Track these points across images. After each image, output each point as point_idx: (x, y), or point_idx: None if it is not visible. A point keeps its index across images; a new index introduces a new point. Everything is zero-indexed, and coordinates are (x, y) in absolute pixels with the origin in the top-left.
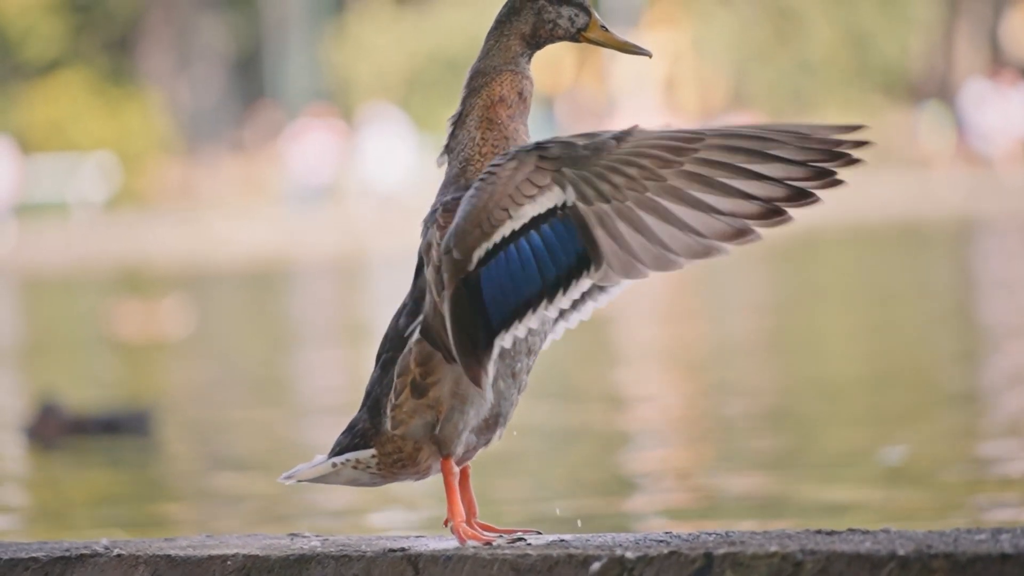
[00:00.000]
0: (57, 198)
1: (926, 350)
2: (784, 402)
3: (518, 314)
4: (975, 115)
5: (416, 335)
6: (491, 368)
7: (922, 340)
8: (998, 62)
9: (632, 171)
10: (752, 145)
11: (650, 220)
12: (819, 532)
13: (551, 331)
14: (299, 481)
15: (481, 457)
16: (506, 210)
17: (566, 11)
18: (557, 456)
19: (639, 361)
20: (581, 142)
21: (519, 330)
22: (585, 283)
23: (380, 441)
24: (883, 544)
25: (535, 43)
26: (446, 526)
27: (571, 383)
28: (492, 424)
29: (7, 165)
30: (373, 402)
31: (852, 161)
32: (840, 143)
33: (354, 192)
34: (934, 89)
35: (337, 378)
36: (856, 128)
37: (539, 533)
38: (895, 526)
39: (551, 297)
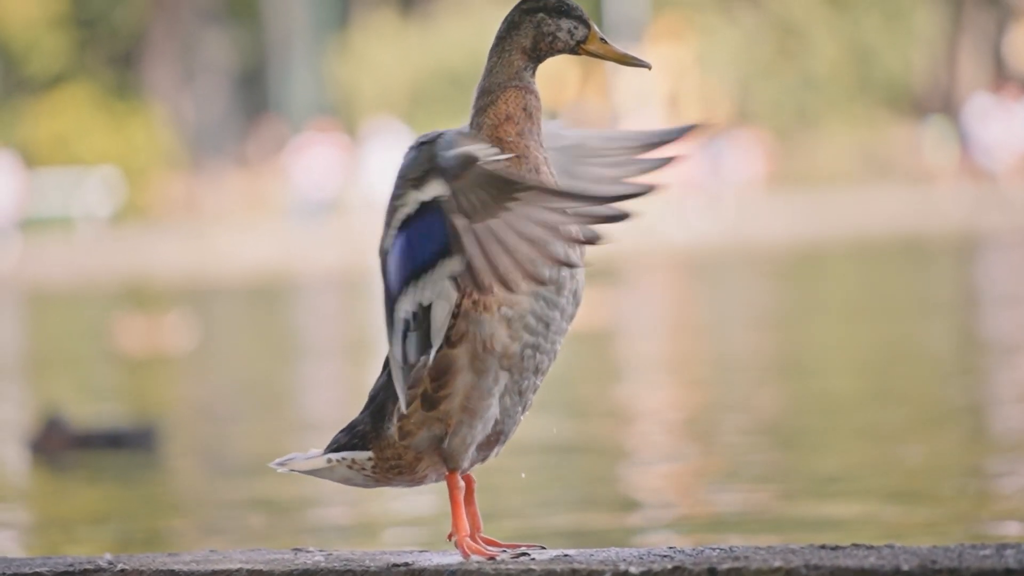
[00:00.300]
0: (61, 212)
1: (930, 365)
2: (786, 418)
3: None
4: (979, 130)
5: (432, 352)
6: (395, 338)
7: (926, 355)
8: (1002, 77)
9: (482, 194)
10: (568, 201)
11: (507, 236)
12: (823, 547)
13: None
14: (291, 471)
15: (484, 471)
16: (403, 202)
17: (565, 23)
18: (559, 471)
19: (640, 376)
20: (449, 153)
21: (409, 300)
22: (447, 268)
23: (379, 446)
24: (887, 559)
25: (536, 56)
26: (450, 540)
27: (573, 397)
28: (493, 441)
29: (12, 179)
30: (377, 407)
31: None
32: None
33: (358, 206)
34: (938, 104)
35: (341, 392)
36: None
37: (543, 548)
38: (899, 542)
39: (418, 278)
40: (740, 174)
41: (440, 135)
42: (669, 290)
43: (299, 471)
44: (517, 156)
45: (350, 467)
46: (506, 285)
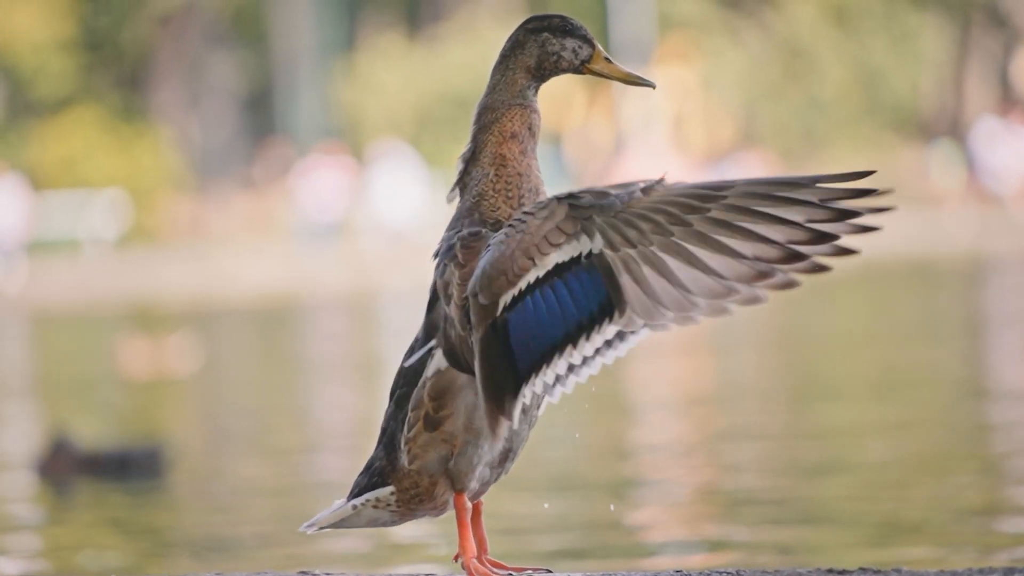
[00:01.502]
0: (68, 235)
1: (938, 390)
2: (792, 443)
3: (544, 359)
4: (986, 153)
5: (430, 370)
6: (516, 415)
7: (934, 380)
8: (1008, 100)
9: (659, 217)
10: (775, 191)
11: (674, 264)
12: (831, 571)
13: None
14: (321, 528)
15: (494, 490)
16: (531, 258)
17: (570, 43)
18: (563, 498)
19: (646, 402)
20: (614, 191)
21: (547, 375)
22: (609, 330)
23: (397, 477)
24: None
25: (540, 76)
26: (456, 561)
27: (578, 424)
28: (503, 459)
29: (18, 202)
30: (389, 438)
31: (866, 221)
32: (855, 192)
33: (364, 229)
34: (945, 127)
35: (347, 415)
36: (867, 182)
37: (549, 572)
38: (907, 567)
39: (575, 343)
40: None
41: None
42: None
43: (328, 527)
44: (519, 174)
45: (375, 507)
46: (653, 316)
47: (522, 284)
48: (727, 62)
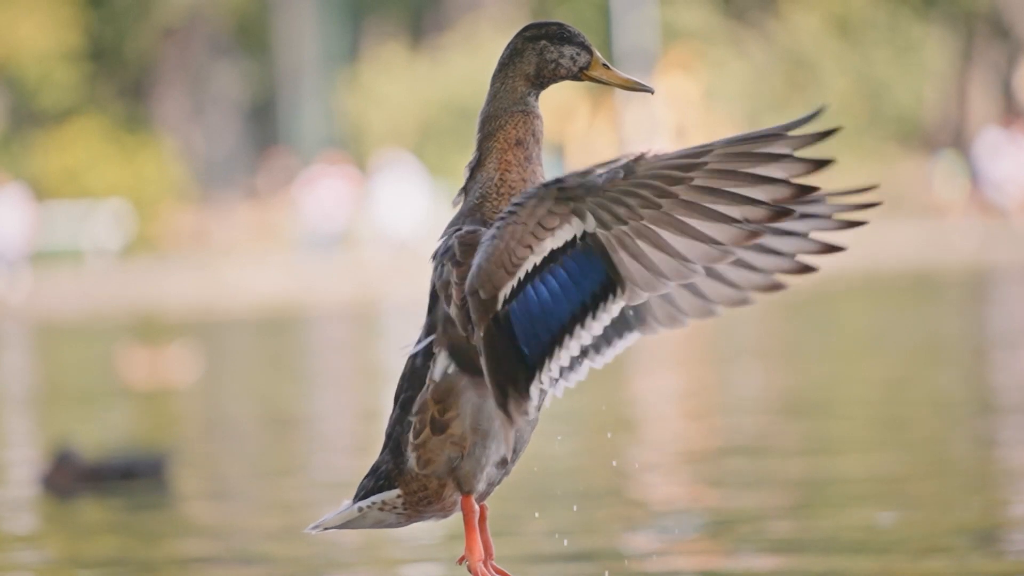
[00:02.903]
0: (71, 245)
1: (941, 405)
2: (796, 458)
3: (556, 343)
4: (989, 165)
5: (436, 372)
6: (531, 407)
7: (936, 394)
8: (1012, 111)
9: (645, 192)
10: (751, 148)
11: (667, 235)
12: None
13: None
14: (326, 529)
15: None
16: (529, 247)
17: (568, 50)
18: (564, 520)
19: (648, 410)
20: (598, 170)
21: (562, 358)
22: (614, 307)
23: (404, 480)
24: None
25: (540, 83)
26: (460, 564)
27: (579, 426)
28: (506, 459)
29: (22, 212)
30: (394, 443)
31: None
32: (822, 135)
33: (368, 239)
34: (948, 138)
35: (350, 423)
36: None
37: None
38: None
39: (582, 323)
40: None
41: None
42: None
43: (333, 527)
44: (523, 179)
45: (381, 509)
46: (655, 286)
47: (520, 274)
48: (730, 72)
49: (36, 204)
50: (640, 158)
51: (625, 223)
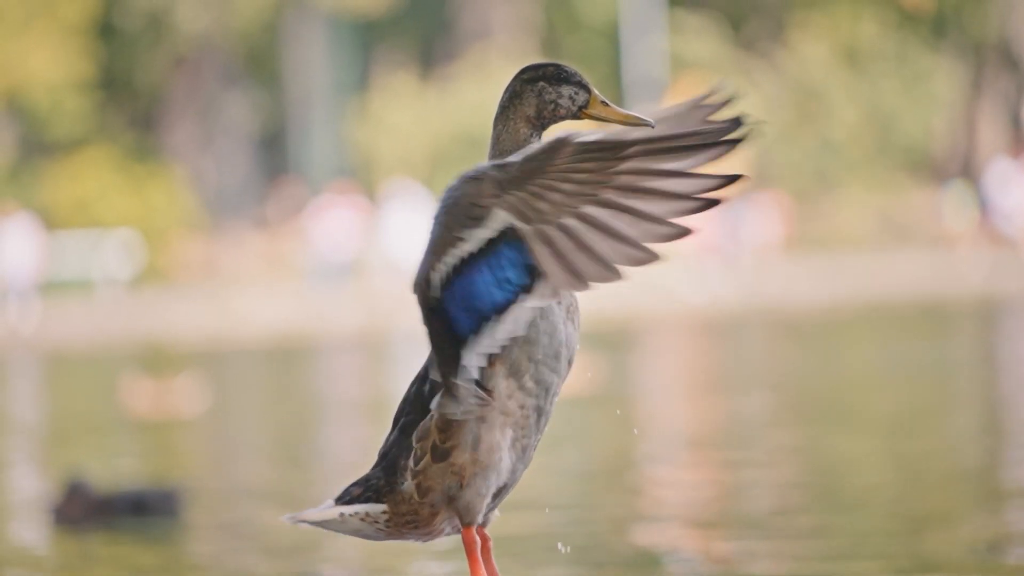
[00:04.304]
0: (81, 275)
1: (949, 432)
2: (804, 485)
3: (484, 327)
4: (999, 195)
5: (436, 401)
6: (466, 382)
7: (945, 422)
8: (1021, 142)
9: (567, 187)
10: (672, 144)
11: (589, 235)
12: None
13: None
14: (303, 523)
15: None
16: (460, 237)
17: (566, 90)
18: (572, 535)
19: (657, 440)
20: (515, 158)
21: (493, 340)
22: (533, 300)
23: (394, 500)
24: None
25: (541, 124)
26: None
27: (588, 457)
28: (496, 495)
29: (32, 242)
30: (390, 463)
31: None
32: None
33: (377, 268)
34: (957, 169)
35: (360, 455)
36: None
37: None
38: None
39: (506, 309)
40: (759, 237)
41: (478, 168)
42: (687, 352)
43: (310, 523)
44: None
45: (363, 520)
46: (575, 286)
47: (453, 261)
48: (740, 104)
49: (46, 234)
50: (558, 149)
51: (547, 221)
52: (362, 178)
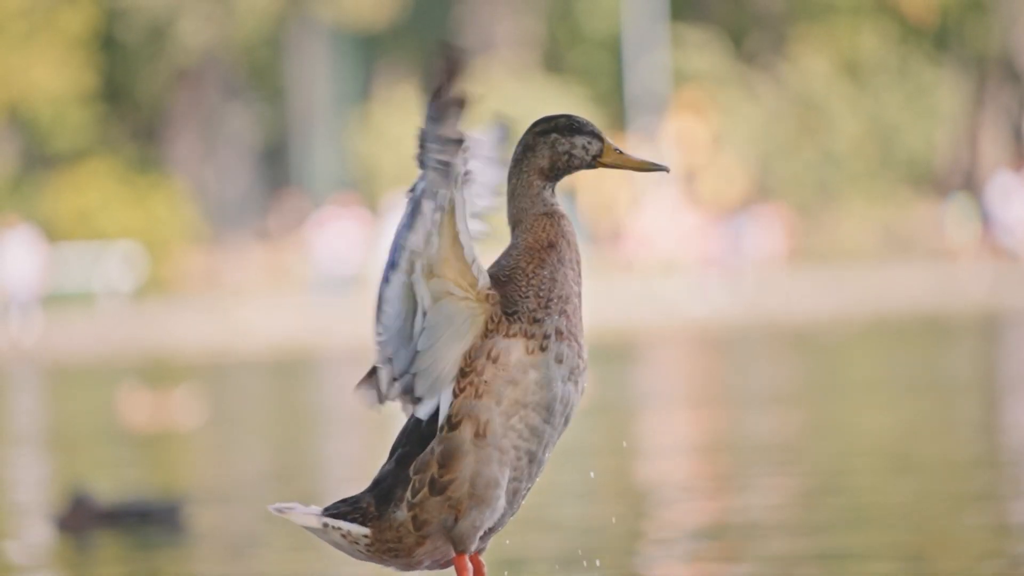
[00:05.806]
0: (84, 287)
1: (951, 446)
2: (805, 499)
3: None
4: (1001, 208)
5: (438, 438)
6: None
7: (947, 436)
8: (1023, 155)
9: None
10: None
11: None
12: None
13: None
14: (286, 517)
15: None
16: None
17: (579, 140)
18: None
19: (658, 454)
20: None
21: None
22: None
23: (380, 527)
24: None
25: (554, 175)
26: None
27: (591, 470)
28: (486, 535)
29: (34, 254)
30: (383, 491)
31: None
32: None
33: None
34: (960, 182)
35: (362, 469)
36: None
37: None
38: None
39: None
40: (760, 250)
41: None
42: (688, 366)
43: (294, 520)
44: (553, 279)
45: (344, 537)
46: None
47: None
48: (742, 116)
49: (48, 246)
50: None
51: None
52: (364, 190)
